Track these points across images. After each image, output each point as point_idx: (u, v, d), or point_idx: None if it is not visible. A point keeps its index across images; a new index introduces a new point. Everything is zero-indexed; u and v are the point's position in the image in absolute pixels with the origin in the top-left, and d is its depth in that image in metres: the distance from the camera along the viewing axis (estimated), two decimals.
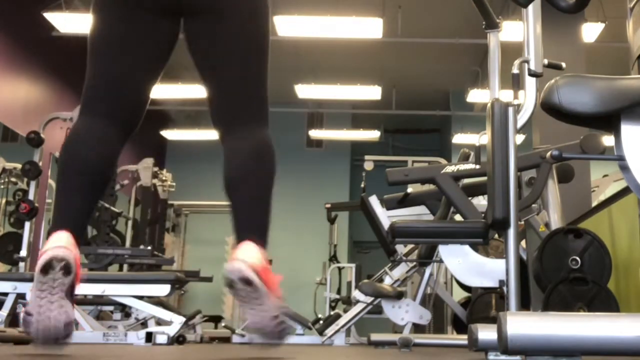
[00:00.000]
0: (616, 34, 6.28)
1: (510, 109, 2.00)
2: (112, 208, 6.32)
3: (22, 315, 1.51)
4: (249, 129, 1.81)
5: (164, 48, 1.85)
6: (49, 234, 1.65)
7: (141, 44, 1.79)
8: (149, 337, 3.56)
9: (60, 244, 1.56)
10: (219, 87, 1.85)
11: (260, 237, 1.67)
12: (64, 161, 1.73)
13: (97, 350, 2.41)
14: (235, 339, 5.20)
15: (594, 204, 5.03)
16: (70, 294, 1.54)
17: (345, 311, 5.41)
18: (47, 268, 1.51)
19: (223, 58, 1.82)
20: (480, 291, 4.08)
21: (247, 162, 1.76)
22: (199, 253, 9.71)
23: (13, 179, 6.44)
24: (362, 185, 6.26)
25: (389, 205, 4.15)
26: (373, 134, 10.90)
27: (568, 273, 2.86)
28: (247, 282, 1.53)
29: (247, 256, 1.59)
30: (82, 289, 4.04)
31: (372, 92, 9.29)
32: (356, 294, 4.78)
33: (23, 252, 5.57)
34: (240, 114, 1.83)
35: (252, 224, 1.71)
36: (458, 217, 3.44)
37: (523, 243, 3.45)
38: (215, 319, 8.25)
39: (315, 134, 11.15)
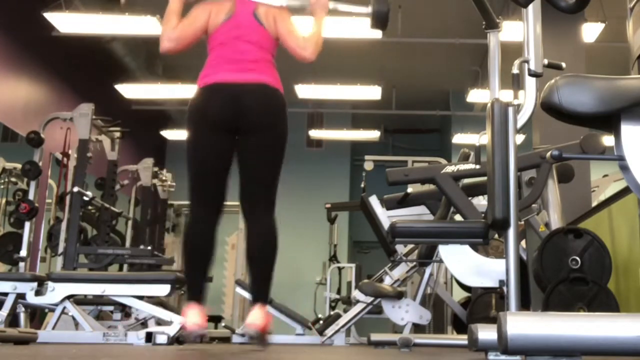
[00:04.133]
0: (616, 34, 6.29)
1: (510, 109, 2.00)
2: (112, 208, 6.31)
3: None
4: (261, 214, 2.86)
5: (229, 155, 2.87)
6: (187, 300, 2.89)
7: (219, 153, 2.84)
8: (149, 337, 3.56)
9: (197, 321, 2.78)
10: (246, 181, 2.89)
11: (265, 300, 2.85)
12: (188, 248, 2.87)
13: (97, 350, 2.41)
14: (235, 339, 5.19)
15: (594, 204, 5.02)
16: None
17: (345, 311, 5.41)
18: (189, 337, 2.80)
19: (254, 163, 2.87)
20: (480, 291, 4.08)
21: (259, 248, 2.86)
22: None
23: (13, 179, 6.44)
24: (362, 185, 6.26)
25: (389, 205, 4.15)
26: (373, 134, 10.89)
27: (568, 273, 2.86)
28: (258, 337, 2.78)
29: (256, 319, 2.75)
30: (82, 289, 4.08)
31: (372, 92, 9.28)
32: (356, 294, 4.78)
33: (23, 252, 5.56)
34: (256, 201, 2.88)
35: (261, 293, 2.85)
36: (458, 217, 3.44)
37: (523, 243, 3.45)
38: (215, 319, 8.24)
39: (315, 134, 11.14)
